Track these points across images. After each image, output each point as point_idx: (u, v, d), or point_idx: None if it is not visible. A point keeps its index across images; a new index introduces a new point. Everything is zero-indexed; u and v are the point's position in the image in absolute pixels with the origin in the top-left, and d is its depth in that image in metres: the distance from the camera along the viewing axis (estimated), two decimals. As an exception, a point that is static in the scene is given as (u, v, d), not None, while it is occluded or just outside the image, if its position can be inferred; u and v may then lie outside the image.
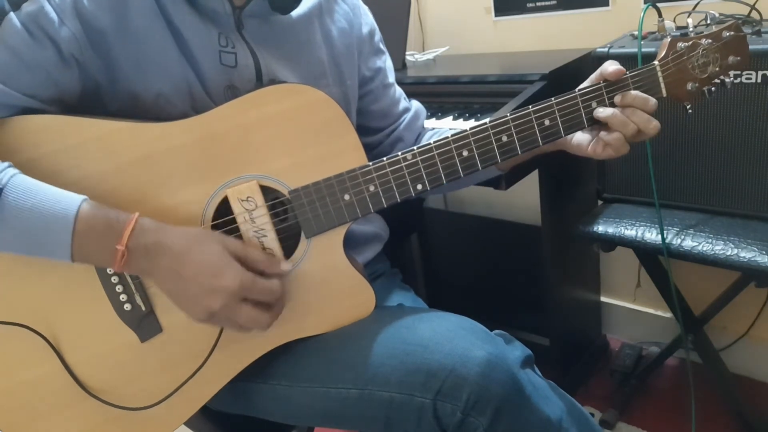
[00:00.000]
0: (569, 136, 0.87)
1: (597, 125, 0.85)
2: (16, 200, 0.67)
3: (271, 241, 0.81)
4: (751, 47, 0.88)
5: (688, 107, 0.88)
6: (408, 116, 1.08)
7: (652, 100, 0.83)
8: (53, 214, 0.68)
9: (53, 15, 0.72)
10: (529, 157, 0.94)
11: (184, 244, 0.73)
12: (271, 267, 0.77)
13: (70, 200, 0.69)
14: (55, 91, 0.75)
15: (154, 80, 0.79)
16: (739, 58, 0.87)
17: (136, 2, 0.76)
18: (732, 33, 0.87)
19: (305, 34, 0.92)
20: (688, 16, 1.20)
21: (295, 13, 0.90)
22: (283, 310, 0.81)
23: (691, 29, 1.18)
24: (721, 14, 1.15)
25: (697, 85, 0.87)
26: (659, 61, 0.85)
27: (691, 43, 0.85)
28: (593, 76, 0.86)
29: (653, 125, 0.82)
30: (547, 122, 0.83)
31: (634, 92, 0.83)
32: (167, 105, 0.80)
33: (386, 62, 1.06)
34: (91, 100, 0.78)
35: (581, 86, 0.86)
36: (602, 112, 0.83)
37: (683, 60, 0.86)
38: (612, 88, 0.83)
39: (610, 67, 0.83)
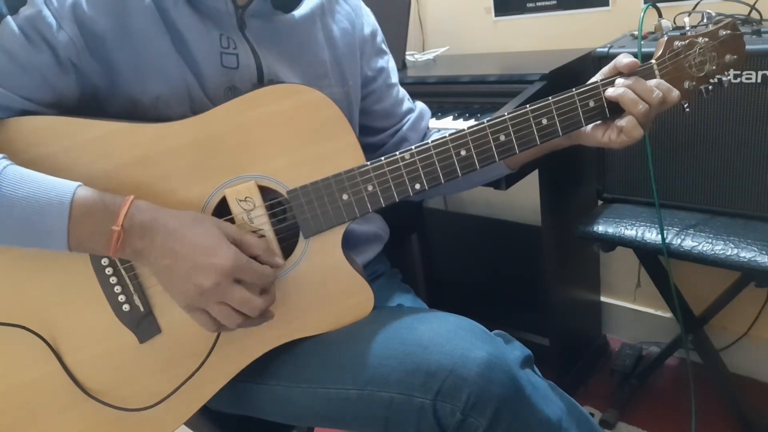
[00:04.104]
0: (582, 129, 0.87)
1: (607, 119, 0.85)
2: (10, 190, 0.67)
3: (270, 241, 0.81)
4: (751, 47, 0.88)
5: (685, 106, 0.88)
6: (412, 117, 1.08)
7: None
8: (48, 201, 0.68)
9: (51, 19, 0.72)
10: (543, 153, 0.94)
11: (181, 222, 0.73)
12: (266, 253, 0.77)
13: (65, 187, 0.69)
14: (53, 95, 0.75)
15: (153, 84, 0.78)
16: (736, 56, 0.87)
17: (135, 6, 0.76)
18: (729, 32, 0.87)
19: (307, 35, 0.92)
20: (687, 16, 1.20)
21: (298, 13, 0.90)
22: (282, 310, 0.81)
23: (688, 28, 1.18)
24: (720, 14, 1.15)
25: (694, 83, 0.87)
26: (656, 59, 0.85)
27: (687, 41, 0.86)
28: (605, 69, 0.86)
29: (655, 95, 0.82)
30: (544, 121, 0.83)
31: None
32: (166, 108, 0.80)
33: (389, 62, 1.06)
34: (90, 104, 0.78)
35: (592, 79, 0.86)
36: (613, 91, 0.83)
37: (680, 59, 0.86)
38: (608, 87, 0.84)
39: (624, 59, 0.83)
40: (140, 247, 0.71)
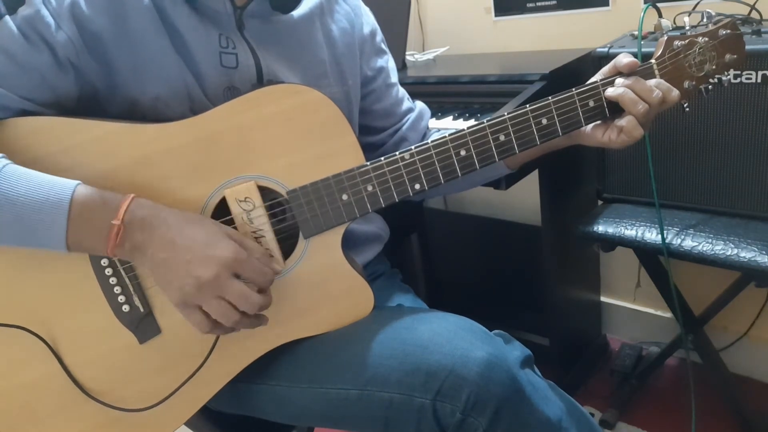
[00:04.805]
0: (583, 129, 0.87)
1: (606, 119, 0.85)
2: (9, 188, 0.67)
3: (270, 241, 0.81)
4: (751, 47, 0.88)
5: (685, 105, 0.88)
6: (412, 116, 1.08)
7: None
8: (47, 200, 0.68)
9: (49, 19, 0.72)
10: (543, 153, 0.94)
11: (181, 217, 0.72)
12: (265, 257, 0.77)
13: (65, 185, 0.69)
14: (52, 95, 0.75)
15: (152, 84, 0.78)
16: (735, 56, 0.87)
17: (134, 6, 0.76)
18: (728, 31, 0.87)
19: (306, 34, 0.92)
20: (687, 16, 1.20)
21: (296, 13, 0.90)
22: (282, 310, 0.81)
23: (688, 28, 1.18)
24: (720, 14, 1.15)
25: (693, 83, 0.87)
26: (656, 59, 0.85)
27: (687, 41, 0.86)
28: (605, 69, 0.86)
29: (655, 94, 0.82)
30: (544, 121, 0.83)
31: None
32: (165, 108, 0.80)
33: (388, 62, 1.06)
34: (89, 104, 0.78)
35: (592, 79, 0.86)
36: (613, 91, 0.83)
37: (680, 58, 0.86)
38: (608, 87, 0.84)
39: (624, 59, 0.83)
40: (139, 241, 0.70)
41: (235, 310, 0.72)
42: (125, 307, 0.78)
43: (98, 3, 0.74)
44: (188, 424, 0.92)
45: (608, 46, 1.26)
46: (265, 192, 0.80)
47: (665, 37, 0.86)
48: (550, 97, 0.83)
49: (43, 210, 0.68)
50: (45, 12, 0.72)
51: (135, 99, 0.79)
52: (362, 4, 1.03)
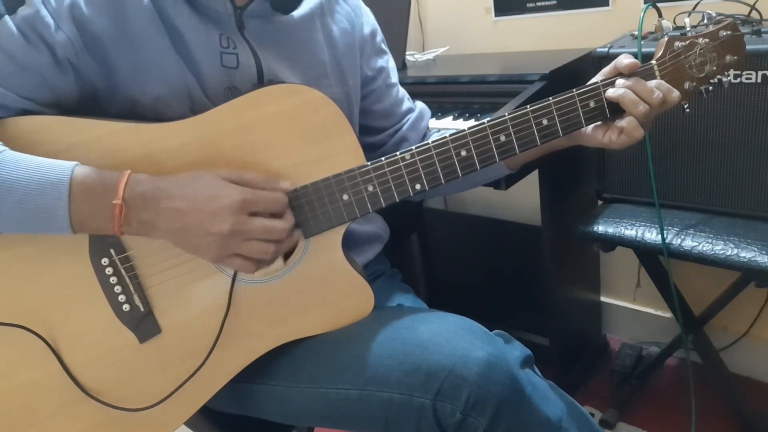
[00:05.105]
0: (583, 129, 0.87)
1: (607, 119, 0.85)
2: (8, 172, 0.67)
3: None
4: (751, 47, 0.89)
5: (685, 106, 0.88)
6: (412, 117, 1.08)
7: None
8: (47, 180, 0.68)
9: (49, 19, 0.72)
10: (543, 153, 0.95)
11: (179, 183, 0.73)
12: (269, 182, 0.77)
13: (63, 166, 0.69)
14: (52, 95, 0.75)
15: (152, 84, 0.78)
16: (736, 57, 0.87)
17: (134, 6, 0.76)
18: (729, 32, 0.87)
19: (307, 35, 0.92)
20: (688, 16, 1.20)
21: (297, 13, 0.90)
22: (282, 310, 0.81)
23: (688, 29, 1.18)
24: (720, 14, 1.15)
25: (694, 84, 0.87)
26: (656, 60, 0.85)
27: (688, 42, 0.86)
28: (606, 70, 0.86)
29: (655, 95, 0.82)
30: (545, 122, 0.83)
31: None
32: (166, 108, 0.80)
33: (389, 62, 1.06)
34: (90, 104, 0.78)
35: (592, 80, 0.86)
36: (614, 91, 0.83)
37: (680, 59, 0.86)
38: (608, 87, 0.84)
39: (625, 60, 0.84)
40: (146, 218, 0.71)
41: (268, 243, 0.74)
42: (125, 307, 0.78)
43: (98, 3, 0.74)
44: (188, 424, 0.92)
45: (608, 46, 1.26)
46: (265, 192, 0.80)
47: (666, 38, 0.86)
48: (550, 98, 0.83)
49: (43, 192, 0.68)
50: (44, 12, 0.72)
51: (135, 99, 0.78)
52: (362, 5, 1.03)
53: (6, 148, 0.70)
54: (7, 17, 0.71)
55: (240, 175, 0.75)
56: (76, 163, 0.70)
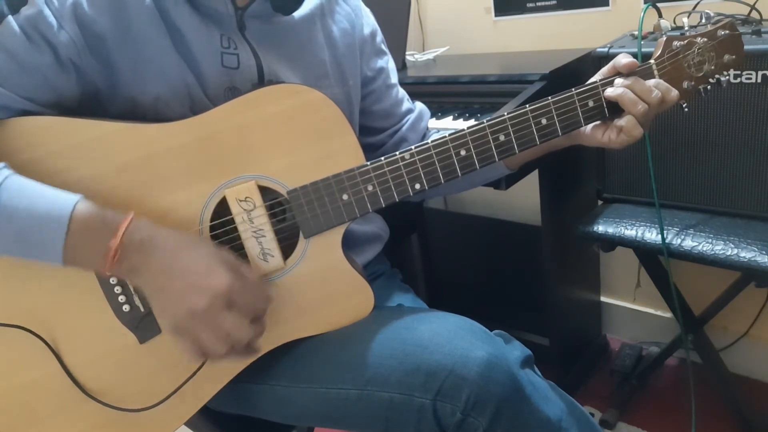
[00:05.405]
0: (582, 129, 0.87)
1: (606, 119, 0.85)
2: (11, 200, 0.67)
3: (270, 241, 0.81)
4: (751, 47, 0.89)
5: (684, 106, 0.88)
6: (411, 117, 1.08)
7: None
8: (48, 214, 0.68)
9: (52, 19, 0.72)
10: (543, 153, 0.95)
11: (179, 242, 0.72)
12: (260, 284, 0.75)
13: (66, 200, 0.69)
14: (53, 95, 0.75)
15: (153, 84, 0.78)
16: (734, 56, 0.88)
17: (135, 6, 0.76)
18: (727, 32, 0.87)
19: (307, 35, 0.92)
20: (687, 16, 1.20)
21: (297, 14, 0.90)
22: (282, 310, 0.81)
23: (687, 28, 1.18)
24: (720, 14, 1.15)
25: (692, 83, 0.87)
26: (655, 59, 0.85)
27: (686, 41, 0.86)
28: (605, 69, 0.87)
29: (654, 94, 0.82)
30: (544, 121, 0.83)
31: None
32: (166, 108, 0.80)
33: (389, 63, 1.06)
34: (91, 105, 0.78)
35: (591, 79, 0.86)
36: (612, 91, 0.83)
37: (679, 58, 0.86)
38: (607, 87, 0.84)
39: (623, 59, 0.84)
40: (136, 264, 0.70)
41: (223, 343, 0.71)
42: (125, 307, 0.78)
43: (100, 3, 0.74)
44: (188, 424, 0.92)
45: (608, 46, 1.26)
46: (265, 192, 0.80)
47: (664, 38, 0.86)
48: (549, 97, 0.83)
49: (42, 225, 0.67)
50: (47, 12, 0.72)
51: (136, 99, 0.78)
52: (362, 5, 1.03)
53: (12, 172, 0.69)
54: (10, 17, 0.71)
55: (238, 266, 0.73)
56: (79, 197, 0.69)
